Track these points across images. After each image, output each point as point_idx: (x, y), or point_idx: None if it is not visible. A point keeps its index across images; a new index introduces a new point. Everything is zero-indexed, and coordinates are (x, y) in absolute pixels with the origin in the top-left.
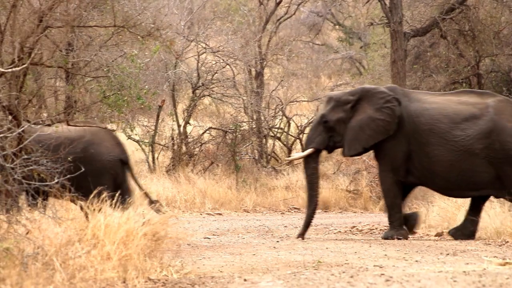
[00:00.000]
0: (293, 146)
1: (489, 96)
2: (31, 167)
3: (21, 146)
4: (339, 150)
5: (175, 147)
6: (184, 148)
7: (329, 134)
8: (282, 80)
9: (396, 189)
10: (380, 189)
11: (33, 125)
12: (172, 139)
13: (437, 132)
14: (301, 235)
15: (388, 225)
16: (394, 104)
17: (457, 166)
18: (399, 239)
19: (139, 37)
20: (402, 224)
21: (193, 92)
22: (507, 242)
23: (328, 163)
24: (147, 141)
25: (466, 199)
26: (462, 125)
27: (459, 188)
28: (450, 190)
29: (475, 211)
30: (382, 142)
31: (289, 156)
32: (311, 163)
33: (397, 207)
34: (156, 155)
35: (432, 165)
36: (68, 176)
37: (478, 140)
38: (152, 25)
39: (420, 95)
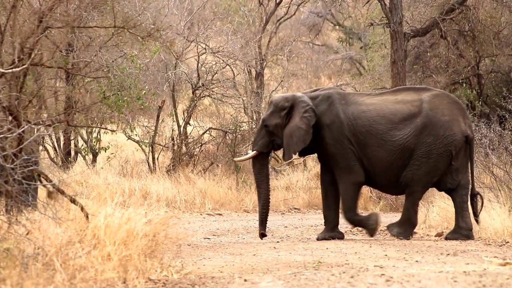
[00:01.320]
0: None
1: (425, 91)
2: (31, 168)
3: (21, 146)
4: None
5: (175, 147)
6: (184, 148)
7: (271, 138)
8: (282, 81)
9: (353, 191)
10: (340, 191)
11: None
12: (172, 139)
13: (375, 133)
14: (262, 234)
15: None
16: (311, 114)
17: (397, 165)
18: (335, 239)
19: (139, 37)
20: (337, 226)
21: (193, 93)
22: (507, 242)
23: None
24: (147, 141)
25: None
26: (399, 125)
27: (398, 185)
28: (391, 188)
29: (459, 207)
30: (327, 148)
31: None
32: (256, 164)
33: (353, 209)
34: (156, 156)
35: (373, 166)
36: None
37: (414, 136)
38: (152, 26)
39: (358, 97)
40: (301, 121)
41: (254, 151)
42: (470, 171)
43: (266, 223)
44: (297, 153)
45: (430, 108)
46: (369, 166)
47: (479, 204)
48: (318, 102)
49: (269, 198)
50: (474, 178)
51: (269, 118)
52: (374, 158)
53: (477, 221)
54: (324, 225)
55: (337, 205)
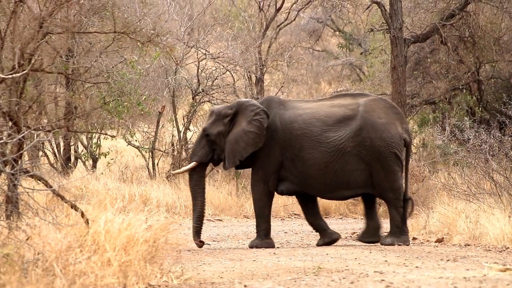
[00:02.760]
0: None
1: (362, 96)
2: (31, 173)
3: (21, 152)
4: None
5: (175, 153)
6: (184, 154)
7: (212, 148)
8: (282, 86)
9: (265, 199)
10: (252, 198)
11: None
12: (172, 145)
13: (310, 135)
14: (200, 242)
15: (256, 233)
16: (262, 116)
17: (332, 167)
18: (265, 247)
19: (139, 43)
20: (269, 234)
21: (193, 98)
22: (508, 248)
23: None
24: (147, 147)
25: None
26: (334, 127)
27: (337, 189)
28: (328, 192)
29: (369, 213)
30: (255, 152)
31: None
32: (194, 176)
33: (265, 217)
34: (156, 161)
35: (308, 169)
36: None
37: (350, 139)
38: (152, 31)
39: (296, 102)
40: (249, 124)
41: (194, 162)
42: (405, 175)
43: (200, 233)
44: (237, 164)
45: (365, 111)
46: (304, 170)
47: (409, 209)
48: None
49: (205, 211)
50: (408, 183)
51: (210, 127)
52: (309, 161)
53: (406, 226)
54: (256, 232)
55: (269, 213)
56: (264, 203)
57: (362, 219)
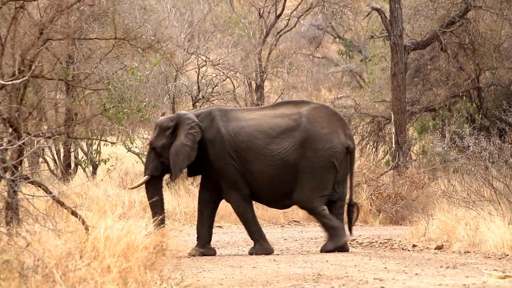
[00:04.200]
0: None
1: (304, 104)
2: (31, 180)
3: (21, 158)
4: None
5: None
6: None
7: (160, 160)
8: (282, 93)
9: (243, 204)
10: (232, 208)
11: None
12: None
13: (254, 149)
14: None
15: (253, 242)
16: (196, 130)
17: (278, 179)
18: (265, 254)
19: (139, 49)
20: (264, 237)
21: (193, 105)
22: (507, 255)
23: None
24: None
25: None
26: (278, 139)
27: (282, 199)
28: (274, 202)
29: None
30: (211, 165)
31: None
32: (149, 190)
33: (251, 221)
34: None
35: (255, 180)
36: None
37: (294, 151)
38: (153, 38)
39: (238, 112)
40: (186, 138)
41: (146, 176)
42: (349, 181)
43: None
44: (186, 173)
45: (308, 121)
46: (252, 181)
47: (355, 214)
48: (200, 119)
49: (165, 223)
50: (353, 188)
51: (155, 140)
52: (255, 173)
53: (350, 231)
54: (197, 240)
55: (211, 222)
56: (244, 208)
57: (361, 225)
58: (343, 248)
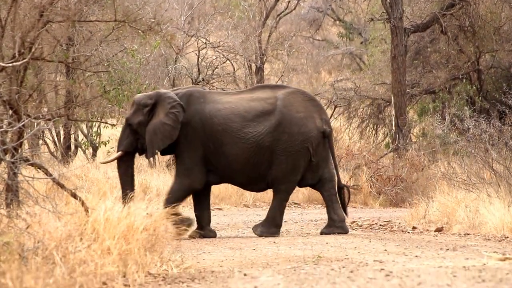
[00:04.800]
0: None
1: (281, 89)
2: (31, 162)
3: (21, 140)
4: None
5: None
6: None
7: (136, 137)
8: (282, 76)
9: (181, 195)
10: (170, 187)
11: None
12: None
13: (230, 131)
14: None
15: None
16: (178, 110)
17: (252, 162)
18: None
19: (139, 31)
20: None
21: None
22: (507, 237)
23: None
24: None
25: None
26: (253, 122)
27: (256, 182)
28: (249, 185)
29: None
30: (179, 145)
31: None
32: (121, 166)
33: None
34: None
35: (230, 164)
36: None
37: (268, 134)
38: (153, 20)
39: (216, 95)
40: (166, 116)
41: (120, 152)
42: (334, 164)
43: None
44: (160, 152)
45: (284, 105)
46: (227, 164)
47: (346, 197)
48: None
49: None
50: (338, 171)
51: (132, 117)
52: (230, 156)
53: (345, 213)
54: (197, 223)
55: (207, 204)
56: (177, 198)
57: (361, 207)
58: (271, 235)
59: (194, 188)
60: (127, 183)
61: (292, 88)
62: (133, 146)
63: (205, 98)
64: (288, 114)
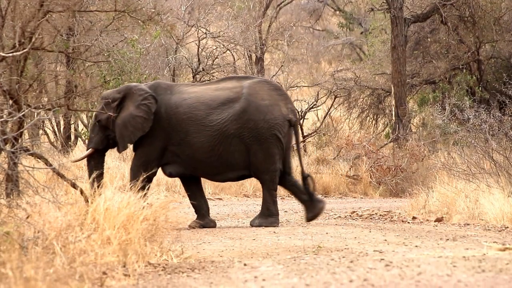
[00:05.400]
0: None
1: (247, 79)
2: (31, 152)
3: (21, 130)
4: None
5: None
6: None
7: (106, 133)
8: (282, 66)
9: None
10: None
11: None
12: None
13: (194, 119)
14: None
15: None
16: (151, 101)
17: (217, 150)
18: None
19: (140, 21)
20: None
21: (193, 77)
22: (507, 227)
23: (328, 148)
24: None
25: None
26: (218, 110)
27: (222, 172)
28: (215, 174)
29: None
30: (141, 137)
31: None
32: (91, 162)
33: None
34: None
35: (195, 153)
36: None
37: (233, 121)
38: (153, 10)
39: (183, 87)
40: (138, 109)
41: (90, 149)
42: (298, 153)
43: None
44: (127, 147)
45: (249, 93)
46: (191, 153)
47: (311, 185)
48: None
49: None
50: (302, 161)
51: (100, 113)
52: (195, 144)
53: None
54: (196, 213)
55: (201, 193)
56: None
57: (361, 198)
58: (271, 225)
59: (149, 178)
60: (97, 180)
61: (258, 78)
62: (103, 143)
63: (171, 90)
64: (253, 102)
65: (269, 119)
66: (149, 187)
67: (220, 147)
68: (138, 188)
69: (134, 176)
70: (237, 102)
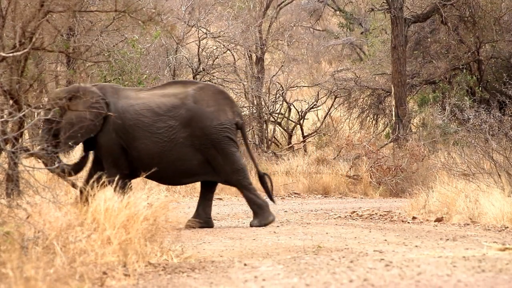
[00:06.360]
0: (294, 131)
1: (191, 84)
2: (31, 152)
3: (22, 130)
4: None
5: None
6: None
7: (55, 133)
8: (282, 66)
9: (121, 184)
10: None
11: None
12: None
13: (141, 126)
14: None
15: None
16: (101, 104)
17: (166, 157)
18: None
19: (140, 22)
20: None
21: (194, 77)
22: (507, 227)
23: (329, 148)
24: None
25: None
26: (164, 117)
27: (174, 177)
28: (166, 179)
29: (205, 198)
30: (98, 140)
31: None
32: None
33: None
34: None
35: (143, 159)
36: None
37: (180, 130)
38: (153, 10)
39: (129, 92)
40: (88, 110)
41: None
42: (249, 154)
43: None
44: (72, 148)
45: (194, 100)
46: (140, 159)
47: (269, 184)
48: None
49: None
50: (256, 161)
51: (48, 114)
52: (143, 151)
53: (272, 200)
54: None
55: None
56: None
57: (361, 198)
58: (270, 221)
59: (125, 174)
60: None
61: (202, 83)
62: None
63: (118, 94)
64: (198, 109)
65: (216, 125)
66: (130, 185)
67: (170, 155)
68: (116, 186)
69: (109, 176)
70: (182, 109)
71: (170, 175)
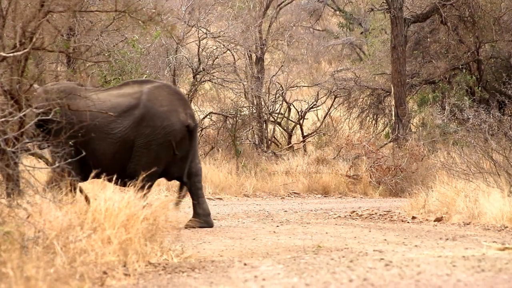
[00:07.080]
0: (293, 131)
1: (147, 83)
2: (32, 152)
3: (22, 130)
4: None
5: None
6: None
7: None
8: (282, 66)
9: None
10: None
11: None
12: None
13: (98, 127)
14: None
15: None
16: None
17: (118, 157)
18: None
19: (140, 22)
20: None
21: (194, 77)
22: (506, 227)
23: (328, 148)
24: None
25: None
26: (119, 118)
27: (131, 178)
28: (119, 179)
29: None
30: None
31: None
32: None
33: None
34: None
35: (98, 160)
36: None
37: (133, 128)
38: (153, 10)
39: (87, 92)
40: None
41: None
42: (188, 157)
43: None
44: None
45: (148, 99)
46: (96, 160)
47: (182, 193)
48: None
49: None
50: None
51: None
52: (97, 151)
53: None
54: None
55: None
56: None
57: (361, 197)
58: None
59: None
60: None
61: (158, 83)
62: None
63: (75, 94)
64: (151, 108)
65: (166, 125)
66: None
67: (120, 154)
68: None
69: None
70: (136, 109)
71: (120, 175)
